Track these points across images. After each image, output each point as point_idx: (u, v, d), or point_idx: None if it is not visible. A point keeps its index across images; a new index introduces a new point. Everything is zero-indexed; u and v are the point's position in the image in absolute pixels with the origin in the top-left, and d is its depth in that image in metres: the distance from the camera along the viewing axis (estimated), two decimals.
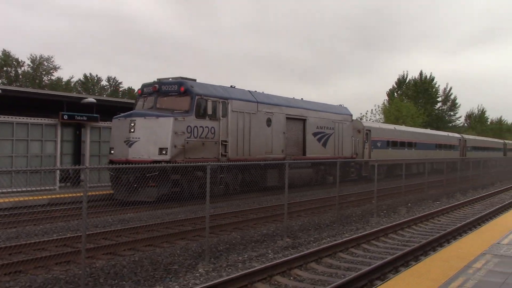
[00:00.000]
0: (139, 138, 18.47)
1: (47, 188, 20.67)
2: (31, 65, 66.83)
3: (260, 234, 12.92)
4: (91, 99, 24.26)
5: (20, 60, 65.82)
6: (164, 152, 18.25)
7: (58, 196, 18.20)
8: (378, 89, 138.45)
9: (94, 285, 8.34)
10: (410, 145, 39.54)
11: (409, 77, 77.90)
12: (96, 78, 78.34)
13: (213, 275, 8.93)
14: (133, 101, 23.91)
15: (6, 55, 64.26)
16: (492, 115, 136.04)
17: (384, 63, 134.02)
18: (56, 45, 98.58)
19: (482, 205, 20.72)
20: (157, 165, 13.88)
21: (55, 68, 68.52)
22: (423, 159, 30.56)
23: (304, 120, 26.13)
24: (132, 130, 18.59)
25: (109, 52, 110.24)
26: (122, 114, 19.73)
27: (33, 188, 19.51)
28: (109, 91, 78.22)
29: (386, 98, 75.21)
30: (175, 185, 17.59)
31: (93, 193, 18.47)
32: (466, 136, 54.85)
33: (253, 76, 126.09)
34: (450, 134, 51.68)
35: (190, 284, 8.38)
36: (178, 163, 17.87)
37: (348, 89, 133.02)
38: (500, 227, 12.22)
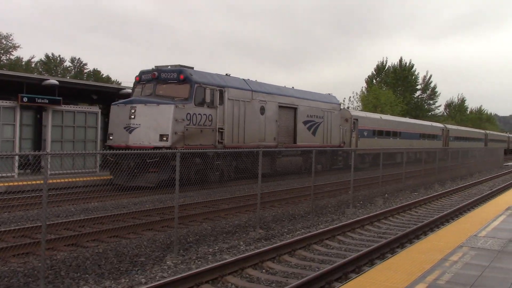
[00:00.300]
0: (139, 124, 19.78)
1: (4, 175, 20.25)
2: None
3: (232, 225, 12.95)
4: (53, 81, 23.69)
5: None
6: (164, 138, 19.56)
7: (16, 183, 17.85)
8: (357, 75, 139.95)
9: (55, 278, 8.22)
10: (395, 134, 41.31)
11: (389, 63, 78.78)
12: (58, 58, 76.84)
13: (182, 268, 8.91)
14: (101, 84, 24.29)
15: None
16: (472, 104, 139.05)
17: (363, 49, 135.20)
18: (16, 22, 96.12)
19: (460, 197, 21.15)
20: (162, 151, 15.51)
21: (14, 47, 66.84)
22: (403, 148, 31.28)
23: (295, 109, 27.59)
24: (133, 116, 19.89)
25: (73, 31, 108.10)
26: (122, 101, 21.08)
27: None
28: (73, 72, 76.84)
29: (365, 85, 75.85)
30: (175, 171, 18.19)
31: (55, 180, 18.20)
32: (449, 126, 57.08)
33: (227, 59, 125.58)
34: (434, 124, 53.50)
35: (157, 277, 8.34)
36: (178, 149, 18.39)
37: (326, 75, 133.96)
38: (477, 219, 12.49)
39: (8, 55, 67.16)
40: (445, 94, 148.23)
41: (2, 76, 23.56)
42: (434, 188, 24.02)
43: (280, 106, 26.19)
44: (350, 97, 75.21)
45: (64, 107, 23.90)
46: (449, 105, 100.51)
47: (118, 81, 73.43)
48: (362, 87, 76.34)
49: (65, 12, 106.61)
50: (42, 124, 23.65)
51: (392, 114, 54.01)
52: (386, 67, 78.11)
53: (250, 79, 25.20)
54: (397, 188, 22.75)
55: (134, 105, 20.10)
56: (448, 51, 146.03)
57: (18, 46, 67.40)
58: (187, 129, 20.24)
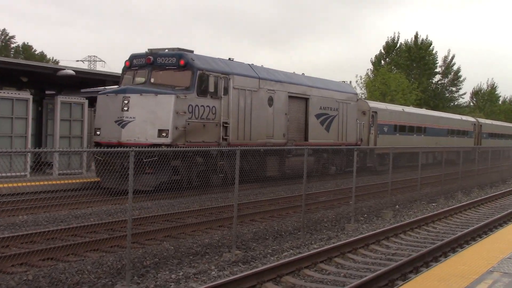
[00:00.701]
0: (134, 117, 20.94)
1: None
2: None
3: (201, 245, 12.93)
4: None
5: None
6: (164, 134, 20.81)
7: None
8: (361, 55, 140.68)
9: None
10: (419, 130, 43.73)
11: (401, 40, 79.03)
12: None
13: None
14: (33, 63, 24.57)
15: None
16: (505, 92, 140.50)
17: (369, 22, 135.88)
18: None
19: (489, 209, 21.40)
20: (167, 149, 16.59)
21: None
22: (419, 147, 31.97)
23: (306, 99, 29.23)
24: (126, 108, 21.00)
25: None
26: (112, 89, 22.39)
27: None
28: None
29: (370, 67, 76.22)
30: (175, 173, 20.29)
31: None
32: (481, 121, 59.06)
33: (198, 35, 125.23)
34: (464, 117, 56.00)
35: None
36: (179, 147, 20.35)
37: (322, 55, 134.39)
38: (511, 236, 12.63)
39: None
40: (472, 79, 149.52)
41: None
42: (457, 198, 24.27)
43: (290, 97, 27.77)
44: (350, 81, 75.41)
45: None
46: (476, 93, 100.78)
47: (55, 60, 72.93)
48: (367, 69, 76.77)
49: None
50: None
51: (405, 104, 54.44)
52: (398, 45, 78.47)
53: (255, 64, 26.68)
54: (411, 197, 22.93)
55: (127, 94, 21.09)
56: (476, 25, 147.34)
57: None
58: (188, 124, 21.45)
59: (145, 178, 19.23)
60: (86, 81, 30.19)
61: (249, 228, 15.21)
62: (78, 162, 25.51)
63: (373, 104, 39.14)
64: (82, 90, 32.15)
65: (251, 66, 26.41)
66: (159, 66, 22.40)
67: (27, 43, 78.54)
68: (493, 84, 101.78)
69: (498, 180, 32.58)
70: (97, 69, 69.05)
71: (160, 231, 14.00)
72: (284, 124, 27.30)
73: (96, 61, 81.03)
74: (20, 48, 76.70)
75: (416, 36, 78.77)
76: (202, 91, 22.19)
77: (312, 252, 11.74)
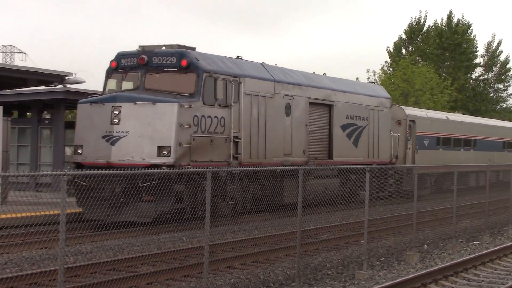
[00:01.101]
0: (127, 132, 22.14)
1: None
2: None
3: None
4: None
5: None
6: (165, 152, 22.05)
7: None
8: (374, 43, 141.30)
9: None
10: (467, 143, 46.39)
11: (429, 22, 79.19)
12: None
13: None
14: None
15: None
16: None
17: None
18: None
19: None
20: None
21: None
22: (452, 165, 33.20)
23: (330, 106, 31.08)
24: (116, 120, 22.15)
25: None
26: (97, 97, 23.84)
27: None
28: None
29: (387, 59, 76.33)
30: (178, 200, 21.72)
31: None
32: None
33: (156, 16, 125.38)
34: None
35: None
36: (183, 167, 21.83)
37: (322, 42, 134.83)
38: None
39: None
40: None
41: None
42: (507, 234, 24.36)
43: (310, 103, 29.51)
44: (359, 78, 75.56)
45: None
46: None
47: None
48: (384, 62, 76.46)
49: None
50: None
51: (434, 108, 54.64)
52: (425, 28, 78.62)
53: (268, 64, 28.40)
54: (444, 234, 22.97)
55: (117, 103, 22.29)
56: None
57: None
58: (194, 139, 22.83)
59: (142, 206, 20.52)
60: (1, 80, 30.13)
61: (225, 278, 15.15)
62: None
63: (411, 111, 40.92)
64: None
65: (263, 65, 27.94)
66: (155, 68, 23.65)
67: None
68: None
69: None
70: (16, 63, 68.88)
71: (102, 284, 13.93)
72: (304, 138, 28.97)
73: (15, 52, 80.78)
74: None
75: (449, 16, 78.76)
76: (210, 99, 23.54)
77: None
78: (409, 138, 38.27)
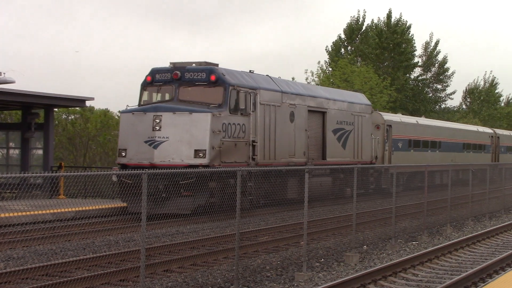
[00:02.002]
0: (167, 137, 26.17)
1: None
2: None
3: None
4: None
5: None
6: (201, 154, 26.06)
7: None
8: (313, 42, 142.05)
9: None
10: (434, 145, 51.41)
11: (368, 21, 79.83)
12: None
13: None
14: None
15: None
16: (507, 90, 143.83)
17: None
18: None
19: (488, 247, 21.88)
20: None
21: None
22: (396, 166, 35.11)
23: (324, 113, 35.42)
24: (158, 127, 26.18)
25: None
26: (139, 107, 27.75)
27: None
28: None
29: (327, 58, 76.81)
30: (212, 195, 25.71)
31: None
32: (499, 132, 66.14)
33: (78, 12, 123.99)
34: (480, 129, 64.58)
35: None
36: (215, 167, 25.52)
37: (262, 41, 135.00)
38: None
39: None
40: (464, 74, 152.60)
41: None
42: (445, 234, 24.72)
43: (309, 111, 33.86)
44: (292, 78, 75.87)
45: None
46: (471, 92, 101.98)
47: None
48: (322, 61, 76.99)
49: None
50: None
51: (374, 107, 55.43)
52: (364, 28, 79.22)
53: (273, 76, 32.67)
54: (384, 234, 23.21)
55: (159, 113, 26.34)
56: (469, 1, 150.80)
57: None
58: (223, 143, 26.87)
59: (181, 201, 23.81)
60: None
61: (163, 282, 15.13)
62: None
63: (388, 116, 45.84)
64: None
65: (271, 78, 32.24)
66: (188, 82, 27.72)
67: None
68: (493, 80, 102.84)
69: (500, 209, 33.29)
70: None
71: None
72: (305, 141, 33.19)
73: None
74: None
75: (388, 16, 79.38)
76: (234, 108, 27.63)
77: None
78: (386, 140, 42.76)
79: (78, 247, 19.41)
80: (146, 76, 28.61)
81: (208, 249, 19.45)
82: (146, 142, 26.28)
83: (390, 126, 44.07)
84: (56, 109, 40.91)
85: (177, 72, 27.59)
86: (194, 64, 28.33)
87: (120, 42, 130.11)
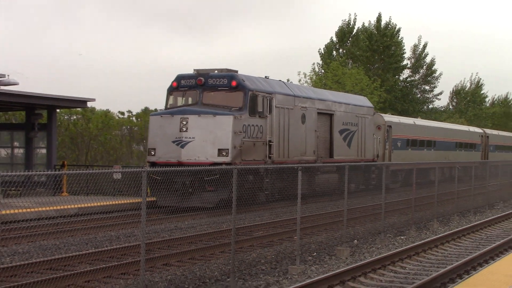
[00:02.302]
0: (193, 138, 28.07)
1: None
2: None
3: None
4: None
5: None
6: (224, 153, 27.80)
7: None
8: (306, 45, 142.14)
9: None
10: (429, 144, 53.53)
11: (359, 24, 79.84)
12: None
13: None
14: None
15: None
16: (493, 91, 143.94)
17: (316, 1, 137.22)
18: None
19: (472, 241, 22.07)
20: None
21: None
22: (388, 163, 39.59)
23: (331, 115, 37.46)
24: (185, 129, 28.14)
25: None
26: (167, 111, 29.85)
27: None
28: None
29: (319, 60, 76.82)
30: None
31: None
32: (488, 132, 68.96)
33: (83, 16, 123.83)
34: (471, 129, 66.94)
35: None
36: (237, 165, 25.93)
37: (254, 44, 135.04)
38: (500, 276, 13.09)
39: None
40: (451, 76, 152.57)
41: None
42: (432, 228, 24.88)
43: (318, 113, 35.79)
44: (290, 80, 75.80)
45: None
46: (458, 93, 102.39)
47: None
48: (314, 63, 77.02)
49: None
50: None
51: None
52: (355, 31, 79.25)
53: (286, 81, 35.83)
54: (373, 229, 23.37)
55: (185, 116, 28.31)
56: (455, 6, 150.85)
57: None
58: (243, 143, 28.69)
59: (206, 195, 25.58)
60: None
61: (162, 275, 15.23)
62: None
63: (388, 118, 47.93)
64: None
65: (284, 83, 34.82)
66: (211, 87, 29.52)
67: None
68: (478, 82, 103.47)
69: (484, 205, 33.50)
70: None
71: (42, 283, 13.84)
72: (314, 141, 35.02)
73: None
74: None
75: (378, 20, 79.31)
76: (253, 111, 29.39)
77: None
78: (386, 140, 44.75)
79: (80, 242, 19.54)
80: (172, 82, 30.51)
81: (205, 244, 19.54)
82: (173, 142, 28.25)
83: (390, 126, 45.98)
84: (58, 110, 40.97)
85: (201, 78, 29.41)
86: (216, 71, 30.11)
87: (119, 45, 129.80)
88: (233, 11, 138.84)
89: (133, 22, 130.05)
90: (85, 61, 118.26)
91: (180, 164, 26.71)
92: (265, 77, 32.91)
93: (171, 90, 30.73)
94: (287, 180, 25.49)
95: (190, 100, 30.18)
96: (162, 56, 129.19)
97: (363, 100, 43.35)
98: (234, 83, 29.11)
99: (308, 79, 68.55)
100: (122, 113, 57.13)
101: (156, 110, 48.55)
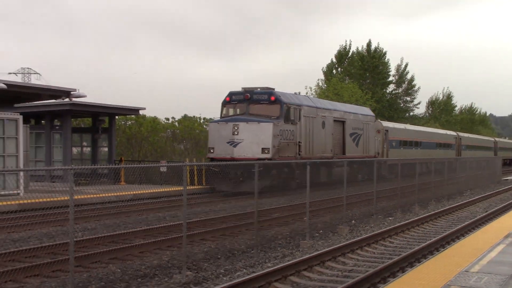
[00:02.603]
0: (243, 139, 30.15)
1: None
2: None
3: (150, 266, 12.98)
4: None
5: None
6: (266, 151, 29.88)
7: None
8: (312, 65, 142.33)
9: None
10: (416, 144, 55.56)
11: (353, 48, 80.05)
12: None
13: None
14: None
15: None
16: (461, 101, 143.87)
17: (320, 31, 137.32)
18: None
19: (447, 221, 21.99)
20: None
21: None
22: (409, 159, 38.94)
23: (343, 122, 39.39)
24: (236, 133, 30.26)
25: None
26: (223, 119, 32.14)
27: None
28: None
29: (322, 77, 76.97)
30: (273, 179, 30.42)
31: None
32: (461, 134, 72.16)
33: (139, 44, 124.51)
34: (448, 132, 68.96)
35: None
36: (275, 160, 29.71)
37: (272, 64, 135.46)
38: (469, 249, 13.08)
39: None
40: (427, 89, 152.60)
41: None
42: (414, 211, 24.83)
43: (334, 120, 37.66)
44: (299, 92, 75.64)
45: None
46: (432, 103, 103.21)
47: None
48: (318, 79, 77.31)
49: None
50: None
51: None
52: (350, 54, 79.43)
53: (309, 96, 39.25)
54: (367, 212, 23.35)
55: (237, 123, 30.47)
56: (429, 33, 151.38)
57: None
58: (280, 143, 30.76)
59: (253, 183, 24.54)
60: (20, 96, 29.80)
61: (200, 248, 15.30)
62: (14, 182, 25.14)
63: (385, 123, 50.07)
64: (16, 105, 31.77)
65: (309, 97, 38.26)
66: (255, 101, 31.45)
67: None
68: (449, 94, 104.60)
69: (455, 192, 33.46)
70: (32, 82, 67.93)
71: (106, 253, 13.99)
72: (331, 142, 36.89)
73: (31, 73, 79.53)
74: None
75: (368, 45, 79.92)
76: (287, 119, 31.40)
77: (266, 271, 11.91)
78: (384, 141, 46.69)
79: (135, 221, 19.63)
80: (226, 97, 32.53)
81: (234, 223, 19.62)
82: (228, 142, 30.26)
83: (387, 130, 47.96)
84: (117, 117, 41.23)
85: (248, 94, 31.53)
86: (259, 89, 32.37)
87: (163, 64, 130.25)
88: (255, 37, 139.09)
89: (177, 46, 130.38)
90: (138, 78, 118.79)
91: (233, 159, 28.90)
92: (295, 93, 36.11)
93: (224, 103, 32.72)
94: (311, 172, 27.05)
95: (238, 111, 32.06)
96: (196, 73, 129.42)
97: (367, 110, 45.66)
98: (272, 98, 31.15)
99: (313, 92, 68.67)
100: (167, 119, 57.35)
101: (197, 117, 55.66)
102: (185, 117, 58.73)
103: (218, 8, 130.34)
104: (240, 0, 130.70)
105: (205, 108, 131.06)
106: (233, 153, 29.94)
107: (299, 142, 32.48)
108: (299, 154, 32.45)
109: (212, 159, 30.41)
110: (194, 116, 59.89)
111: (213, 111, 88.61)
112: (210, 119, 46.05)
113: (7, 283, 11.38)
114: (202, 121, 57.79)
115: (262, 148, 29.73)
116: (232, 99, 32.44)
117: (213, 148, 31.08)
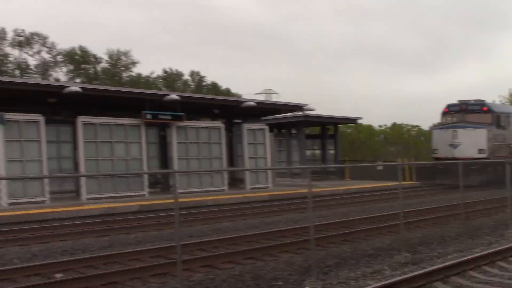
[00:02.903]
0: (462, 142, 30.76)
1: (136, 194, 21.96)
2: (109, 60, 70.63)
3: (374, 248, 12.93)
4: (174, 96, 24.88)
5: (97, 57, 69.76)
6: (482, 152, 30.34)
7: (148, 202, 19.24)
8: (505, 75, 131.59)
9: None
10: None
11: None
12: (177, 72, 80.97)
13: None
14: (224, 98, 31.38)
15: (84, 51, 68.26)
16: None
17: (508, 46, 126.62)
18: (132, 39, 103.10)
19: None
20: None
21: (134, 63, 71.94)
22: None
23: None
24: (455, 137, 31.01)
25: (189, 45, 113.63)
26: (443, 126, 32.76)
27: (121, 194, 20.83)
28: (192, 86, 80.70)
29: None
30: (489, 176, 30.53)
31: (184, 200, 19.35)
32: None
33: (352, 65, 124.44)
34: None
35: None
36: (492, 159, 29.90)
37: (466, 77, 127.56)
38: None
39: (128, 72, 72.58)
40: None
41: (125, 93, 25.58)
42: None
43: None
44: (493, 101, 70.39)
45: (187, 123, 25.33)
46: None
47: (238, 94, 76.18)
48: (510, 88, 71.22)
49: (176, 26, 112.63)
50: (166, 141, 25.32)
51: None
52: None
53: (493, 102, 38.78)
54: None
55: (456, 129, 31.19)
56: None
57: (137, 62, 72.59)
58: (493, 145, 31.13)
59: (472, 178, 26.51)
60: (265, 111, 31.44)
61: (415, 234, 14.93)
62: (264, 178, 26.57)
63: None
64: (263, 118, 33.55)
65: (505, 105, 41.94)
66: (469, 111, 31.78)
67: (215, 82, 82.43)
68: None
69: None
70: (273, 100, 70.81)
71: (338, 235, 14.20)
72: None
73: (271, 93, 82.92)
74: (210, 86, 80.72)
75: None
76: (497, 125, 31.80)
77: (476, 255, 11.34)
78: None
79: (359, 210, 19.42)
80: (444, 108, 33.12)
81: (442, 213, 18.83)
82: (449, 145, 31.07)
83: None
84: (340, 125, 41.76)
85: (463, 105, 32.04)
86: (472, 101, 32.36)
87: (372, 82, 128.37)
88: (451, 56, 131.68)
89: (382, 65, 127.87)
90: (355, 93, 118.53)
91: (454, 159, 28.77)
92: (502, 103, 37.32)
93: (444, 113, 33.26)
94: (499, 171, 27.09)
95: (455, 119, 32.39)
96: (400, 86, 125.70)
97: None
98: (485, 108, 31.64)
99: (507, 100, 63.69)
100: (381, 126, 56.95)
101: (405, 124, 52.79)
102: (394, 124, 57.90)
103: (413, 32, 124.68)
104: (430, 24, 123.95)
105: (408, 116, 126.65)
106: (454, 154, 30.28)
107: (509, 144, 32.45)
108: (510, 154, 31.91)
109: (437, 159, 31.31)
110: (402, 123, 58.75)
111: (414, 118, 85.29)
112: (417, 126, 45.50)
113: (264, 256, 11.90)
114: (409, 127, 56.45)
115: (479, 149, 30.21)
116: (450, 110, 32.93)
117: (437, 149, 32.10)
